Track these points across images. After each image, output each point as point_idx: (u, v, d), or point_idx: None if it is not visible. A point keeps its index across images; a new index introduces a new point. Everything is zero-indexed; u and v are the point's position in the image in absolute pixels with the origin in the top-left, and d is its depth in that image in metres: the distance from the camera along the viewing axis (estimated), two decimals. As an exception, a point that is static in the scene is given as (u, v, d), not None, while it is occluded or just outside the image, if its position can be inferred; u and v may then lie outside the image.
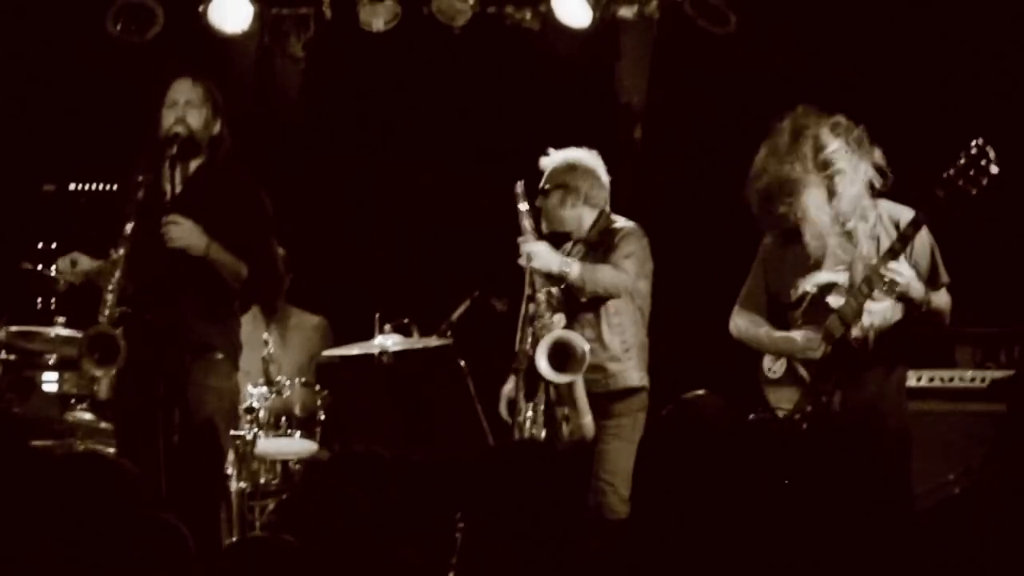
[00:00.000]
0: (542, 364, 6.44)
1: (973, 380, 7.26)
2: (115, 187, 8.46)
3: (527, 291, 6.70)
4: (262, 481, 7.43)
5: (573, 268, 6.62)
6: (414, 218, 8.80)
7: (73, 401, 7.55)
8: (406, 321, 7.49)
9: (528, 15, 8.31)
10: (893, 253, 5.55)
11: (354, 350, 7.57)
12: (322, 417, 7.53)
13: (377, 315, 7.45)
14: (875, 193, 5.77)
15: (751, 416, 5.37)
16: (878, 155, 5.77)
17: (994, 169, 5.51)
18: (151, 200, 5.84)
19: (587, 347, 6.48)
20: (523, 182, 6.74)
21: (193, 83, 6.02)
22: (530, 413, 6.78)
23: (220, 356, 5.93)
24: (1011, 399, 6.87)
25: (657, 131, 8.37)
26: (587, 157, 6.92)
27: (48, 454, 6.42)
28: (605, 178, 6.93)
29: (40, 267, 6.02)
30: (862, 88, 7.80)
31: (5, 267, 7.77)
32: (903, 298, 5.60)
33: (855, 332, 5.67)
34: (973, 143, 5.55)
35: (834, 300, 5.72)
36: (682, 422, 4.10)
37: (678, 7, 8.00)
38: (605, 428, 6.67)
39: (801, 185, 5.73)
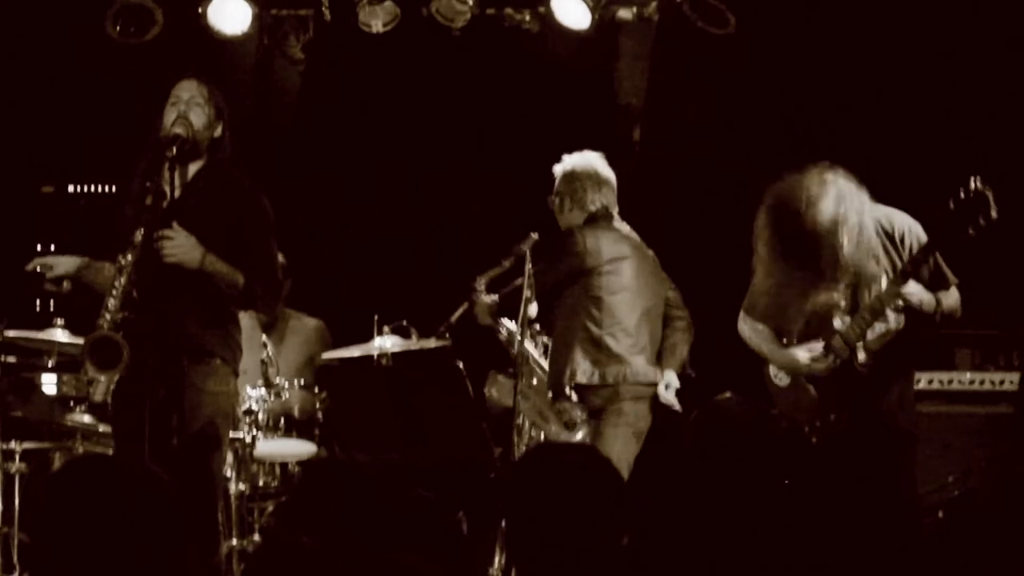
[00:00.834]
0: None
1: (972, 382, 7.26)
2: (114, 189, 8.49)
3: (526, 293, 6.71)
4: (261, 483, 7.43)
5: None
6: (413, 220, 8.80)
7: (72, 403, 7.54)
8: (405, 323, 7.49)
9: (527, 16, 8.30)
10: (904, 276, 5.51)
11: (353, 352, 7.57)
12: (321, 419, 7.54)
13: (376, 317, 7.45)
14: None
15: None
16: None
17: (994, 213, 5.46)
18: (152, 212, 5.81)
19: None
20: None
21: (199, 83, 6.01)
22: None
23: (219, 361, 5.92)
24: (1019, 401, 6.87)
25: (656, 132, 8.37)
26: (583, 161, 6.95)
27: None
28: (592, 179, 6.96)
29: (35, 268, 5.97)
30: (860, 89, 7.82)
31: (4, 269, 7.77)
32: (917, 313, 5.57)
33: (861, 356, 5.64)
34: (972, 184, 5.47)
35: (838, 322, 5.67)
36: (710, 425, 4.10)
37: (677, 8, 8.00)
38: (603, 417, 6.74)
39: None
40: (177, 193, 5.87)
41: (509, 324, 7.01)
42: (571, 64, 8.30)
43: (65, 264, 5.96)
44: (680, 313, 7.07)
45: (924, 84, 7.83)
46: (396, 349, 7.44)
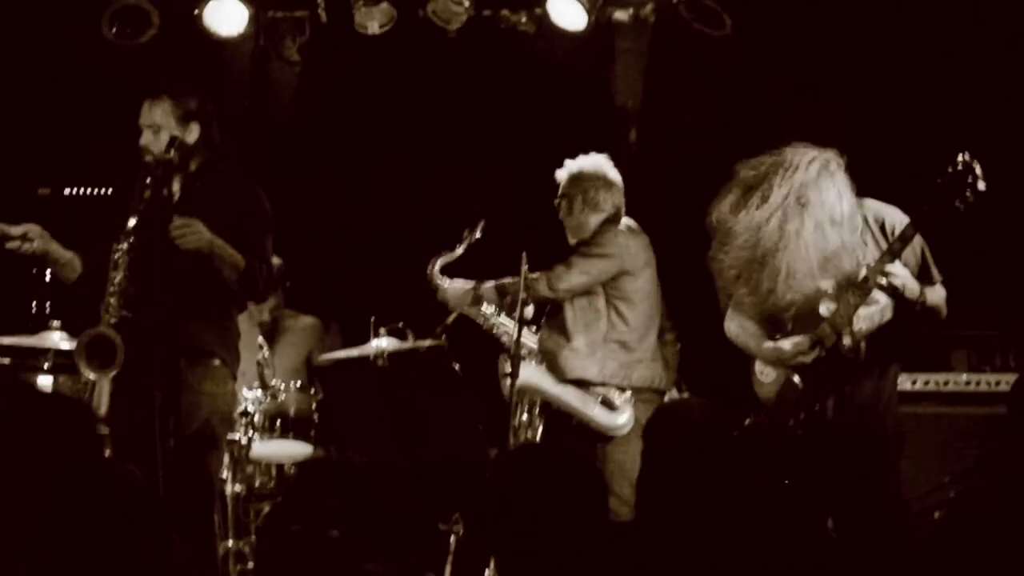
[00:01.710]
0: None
1: (968, 384, 7.26)
2: (111, 191, 8.48)
3: (522, 295, 6.71)
4: (257, 484, 7.44)
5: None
6: (409, 221, 8.79)
7: (68, 405, 7.53)
8: (401, 324, 7.49)
9: (523, 18, 8.30)
10: (891, 255, 5.54)
11: (350, 353, 7.57)
12: (317, 420, 7.54)
13: (372, 318, 7.45)
14: (859, 194, 5.74)
15: (746, 421, 5.38)
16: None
17: (981, 186, 5.50)
18: (150, 207, 5.81)
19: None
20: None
21: (151, 105, 5.96)
22: (524, 417, 6.81)
23: (217, 362, 5.93)
24: (1012, 402, 6.88)
25: (652, 133, 8.37)
26: (590, 163, 6.94)
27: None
28: (617, 182, 6.97)
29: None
30: (858, 90, 7.82)
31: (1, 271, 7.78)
32: (899, 297, 5.59)
33: (846, 340, 5.66)
34: (960, 159, 5.52)
35: (824, 308, 5.70)
36: (667, 426, 4.11)
37: (673, 10, 8.00)
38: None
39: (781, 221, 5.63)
40: (176, 196, 5.89)
41: (486, 309, 6.99)
42: (567, 65, 8.30)
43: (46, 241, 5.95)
44: (670, 325, 7.10)
45: (922, 84, 7.83)
46: (393, 350, 7.45)
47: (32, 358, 7.45)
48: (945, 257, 5.80)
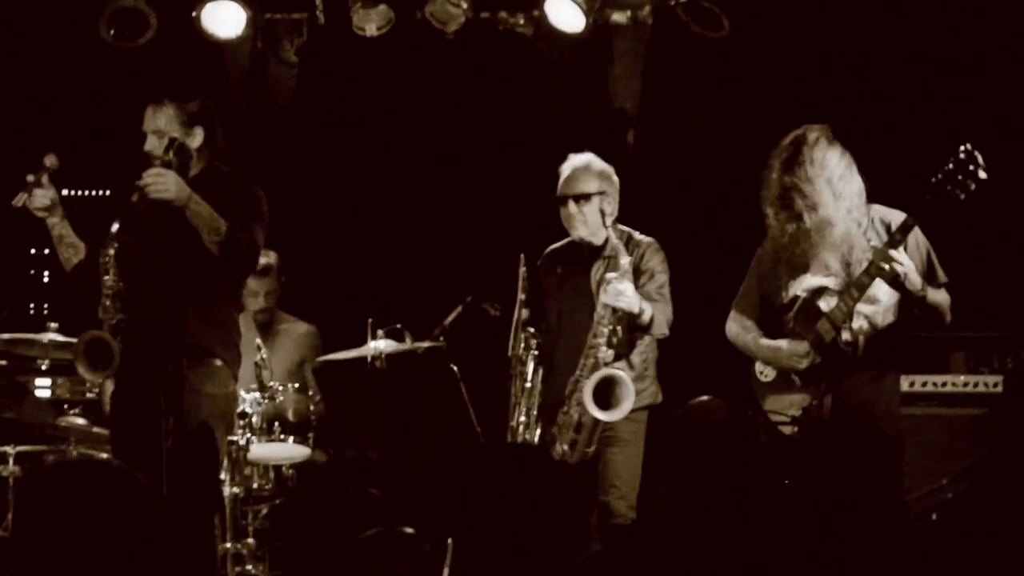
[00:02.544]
0: (588, 401, 6.43)
1: (966, 385, 7.26)
2: (109, 193, 8.49)
3: (520, 296, 6.70)
4: (255, 486, 7.43)
5: (647, 311, 6.57)
6: (407, 223, 8.80)
7: (66, 406, 7.54)
8: (399, 326, 7.48)
9: (521, 20, 8.31)
10: (893, 242, 5.56)
11: (348, 354, 7.56)
12: (315, 422, 7.53)
13: (370, 320, 7.45)
14: (867, 198, 5.78)
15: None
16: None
17: (983, 175, 5.52)
18: (150, 208, 5.80)
19: (632, 387, 6.48)
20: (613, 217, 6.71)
21: (154, 111, 5.95)
22: (523, 418, 6.80)
23: (219, 363, 5.92)
24: (1004, 404, 6.88)
25: (650, 136, 8.37)
26: (609, 166, 6.87)
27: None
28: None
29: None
30: (856, 91, 7.82)
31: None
32: (900, 287, 5.59)
33: (845, 336, 5.67)
34: (961, 148, 5.55)
35: (825, 304, 5.72)
36: (689, 427, 4.10)
37: (671, 11, 8.00)
38: (615, 435, 6.67)
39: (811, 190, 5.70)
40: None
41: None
42: (565, 67, 8.31)
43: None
44: None
45: (920, 85, 7.84)
46: (391, 351, 7.44)
47: (30, 359, 7.44)
48: (943, 258, 5.80)
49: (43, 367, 7.40)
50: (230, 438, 6.96)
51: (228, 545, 7.13)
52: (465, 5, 8.08)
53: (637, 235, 6.83)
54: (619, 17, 8.22)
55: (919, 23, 7.78)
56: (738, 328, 6.02)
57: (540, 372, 6.94)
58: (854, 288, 5.62)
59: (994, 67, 7.71)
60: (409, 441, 6.68)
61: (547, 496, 3.52)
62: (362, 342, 7.47)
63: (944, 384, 7.27)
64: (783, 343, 5.80)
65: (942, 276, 5.75)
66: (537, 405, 6.90)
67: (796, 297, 5.82)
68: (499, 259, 7.04)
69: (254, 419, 7.34)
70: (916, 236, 5.68)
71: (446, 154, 8.65)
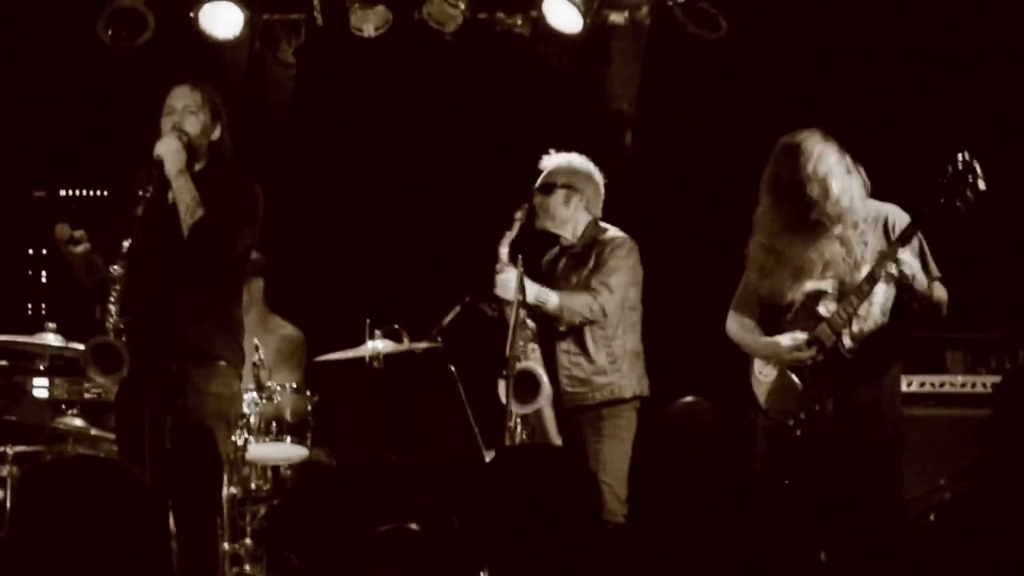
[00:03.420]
0: (504, 395, 6.53)
1: (964, 385, 7.27)
2: (106, 193, 8.49)
3: (517, 297, 6.70)
4: (253, 487, 7.42)
5: (550, 299, 6.67)
6: (405, 223, 8.80)
7: (64, 407, 7.53)
8: (396, 326, 7.48)
9: (519, 21, 8.31)
10: (902, 241, 5.55)
11: (345, 355, 7.56)
12: (312, 422, 7.53)
13: (368, 320, 7.44)
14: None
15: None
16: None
17: (982, 185, 5.50)
18: (151, 208, 5.81)
19: (546, 380, 6.64)
20: (523, 209, 6.78)
21: (191, 89, 6.00)
22: (520, 419, 6.81)
23: (223, 363, 5.92)
24: (999, 404, 6.88)
25: (647, 137, 8.38)
26: (589, 163, 6.95)
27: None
28: (602, 188, 6.97)
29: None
30: (854, 92, 7.83)
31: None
32: (908, 289, 5.59)
33: (846, 342, 5.66)
34: (960, 157, 5.53)
35: (824, 308, 5.70)
36: (674, 428, 4.12)
37: (669, 12, 8.00)
38: (600, 431, 6.70)
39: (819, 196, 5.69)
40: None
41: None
42: (563, 68, 8.31)
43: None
44: None
45: (918, 87, 7.84)
46: (388, 352, 7.44)
47: (28, 360, 7.43)
48: (941, 258, 5.80)
49: (41, 368, 7.40)
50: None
51: (226, 546, 7.12)
52: (463, 6, 8.08)
53: (612, 232, 6.89)
54: (617, 18, 8.22)
55: (917, 22, 7.78)
56: (738, 327, 6.01)
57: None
58: (854, 295, 5.61)
59: (994, 66, 7.71)
60: (407, 442, 6.69)
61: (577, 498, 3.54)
62: (360, 342, 7.47)
63: (942, 384, 7.28)
64: (782, 339, 5.78)
65: (935, 271, 5.74)
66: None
67: (794, 301, 5.82)
68: (496, 260, 7.04)
69: (252, 419, 7.33)
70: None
71: (443, 154, 8.66)
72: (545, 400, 6.68)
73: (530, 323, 6.75)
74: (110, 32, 7.98)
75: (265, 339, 7.90)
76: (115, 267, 5.69)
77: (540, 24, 8.14)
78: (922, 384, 7.26)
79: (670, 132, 8.28)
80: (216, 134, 6.01)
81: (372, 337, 7.45)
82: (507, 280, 6.73)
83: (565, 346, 6.80)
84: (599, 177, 6.96)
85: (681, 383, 7.15)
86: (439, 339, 7.37)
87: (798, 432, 5.69)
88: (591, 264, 6.86)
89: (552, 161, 6.97)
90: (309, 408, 7.52)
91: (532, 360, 6.72)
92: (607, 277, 6.76)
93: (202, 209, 5.78)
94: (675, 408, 5.04)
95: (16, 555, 3.14)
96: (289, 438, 7.45)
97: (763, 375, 5.90)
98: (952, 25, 7.72)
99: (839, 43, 7.90)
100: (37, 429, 7.47)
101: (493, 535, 3.54)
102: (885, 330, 5.69)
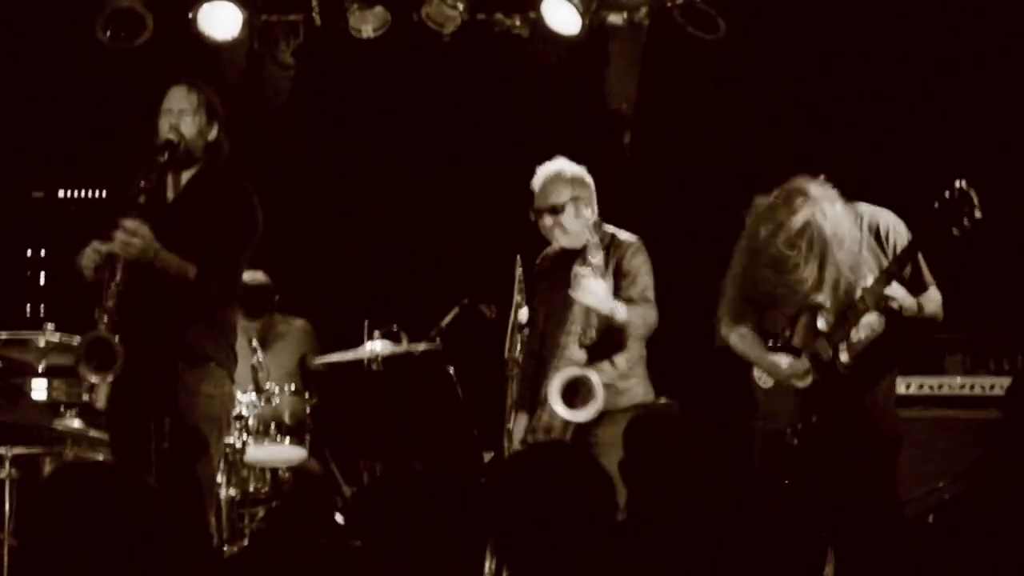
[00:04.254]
0: (556, 402, 6.43)
1: (963, 387, 7.27)
2: (105, 194, 8.49)
3: (516, 298, 6.70)
4: (251, 489, 7.42)
5: (620, 312, 6.56)
6: (403, 224, 8.80)
7: (63, 408, 7.53)
8: (395, 328, 7.49)
9: (518, 22, 8.31)
10: (889, 276, 5.51)
11: (344, 356, 7.56)
12: (311, 424, 7.53)
13: (366, 322, 7.45)
14: (853, 198, 5.73)
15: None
16: None
17: (978, 214, 5.46)
18: (147, 207, 5.82)
19: (600, 388, 6.45)
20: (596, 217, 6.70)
21: (188, 90, 6.00)
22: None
23: (214, 364, 5.93)
24: (1008, 406, 6.88)
25: (646, 137, 8.38)
26: (575, 165, 6.89)
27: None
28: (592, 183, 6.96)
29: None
30: (852, 92, 7.83)
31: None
32: (898, 317, 5.58)
33: (843, 357, 5.64)
34: (956, 185, 5.47)
35: (823, 322, 5.68)
36: (643, 432, 4.12)
37: (667, 13, 8.01)
38: (611, 439, 6.67)
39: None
40: (171, 197, 5.90)
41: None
42: (561, 69, 8.31)
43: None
44: None
45: (916, 88, 7.84)
46: (387, 353, 7.44)
47: (26, 361, 7.42)
48: (940, 260, 5.79)
49: (39, 369, 7.39)
50: (226, 440, 6.96)
51: (224, 547, 7.13)
52: (461, 7, 8.09)
53: (621, 234, 6.84)
54: (615, 19, 8.22)
55: (917, 23, 7.78)
56: (737, 339, 5.97)
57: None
58: (851, 313, 5.59)
59: (994, 66, 7.71)
60: (406, 443, 6.69)
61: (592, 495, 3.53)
62: (358, 344, 7.47)
63: (941, 386, 7.28)
64: (783, 360, 5.76)
65: (929, 278, 5.72)
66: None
67: (780, 293, 5.77)
68: (495, 261, 7.04)
69: (250, 421, 7.34)
70: (903, 237, 5.64)
71: (442, 155, 8.66)
72: (594, 411, 6.56)
73: (592, 332, 6.64)
74: (109, 32, 7.98)
75: (280, 342, 7.92)
76: (117, 266, 5.69)
77: (539, 25, 8.14)
78: (921, 386, 7.26)
79: (669, 133, 8.28)
80: (213, 135, 6.01)
81: (371, 338, 7.45)
82: (594, 289, 6.58)
83: (575, 354, 6.72)
84: (588, 175, 6.90)
85: (680, 386, 7.14)
86: (438, 340, 7.38)
87: (795, 441, 5.68)
88: (611, 268, 6.78)
89: (545, 179, 6.77)
90: (307, 410, 7.52)
91: (576, 363, 6.62)
92: (643, 289, 6.68)
93: (192, 268, 5.79)
94: (641, 413, 5.03)
95: (22, 559, 3.14)
96: (287, 440, 7.46)
97: (763, 380, 5.89)
98: (952, 27, 7.71)
99: (838, 44, 7.89)
100: (35, 431, 7.47)
101: (510, 535, 3.54)
102: (882, 337, 5.68)
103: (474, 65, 8.47)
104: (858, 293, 5.56)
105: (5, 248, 8.58)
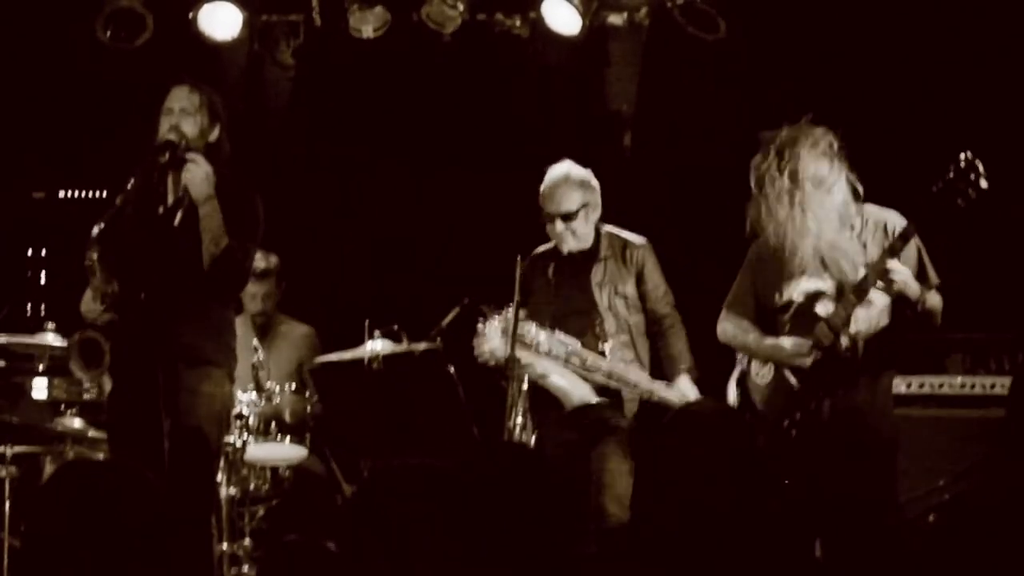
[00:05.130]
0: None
1: (964, 386, 7.27)
2: (105, 195, 8.49)
3: (516, 298, 6.70)
4: (252, 487, 7.42)
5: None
6: (404, 224, 8.80)
7: (63, 407, 7.53)
8: (396, 327, 7.48)
9: (518, 22, 8.31)
10: (892, 251, 5.55)
11: (344, 355, 7.56)
12: (311, 423, 7.53)
13: (367, 321, 7.44)
14: (860, 198, 5.77)
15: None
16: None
17: (984, 184, 5.50)
18: (147, 207, 5.83)
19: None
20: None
21: (190, 90, 6.01)
22: (520, 419, 6.79)
23: (214, 364, 5.93)
24: (1011, 405, 6.88)
25: (646, 138, 8.38)
26: (579, 168, 6.91)
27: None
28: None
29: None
30: (853, 93, 7.83)
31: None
32: (900, 297, 5.60)
33: (844, 341, 5.67)
34: (962, 156, 5.53)
35: (822, 308, 5.71)
36: (684, 429, 4.10)
37: (668, 14, 8.01)
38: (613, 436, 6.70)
39: (791, 196, 5.70)
40: (177, 195, 5.90)
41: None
42: (562, 69, 8.31)
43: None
44: None
45: (916, 87, 7.84)
46: (387, 353, 7.44)
47: (27, 361, 7.43)
48: (940, 260, 5.80)
49: (40, 368, 7.40)
50: (227, 439, 6.96)
51: (224, 546, 7.13)
52: (461, 7, 8.09)
53: (631, 238, 6.87)
54: (615, 19, 8.22)
55: (917, 21, 7.79)
56: (735, 328, 6.01)
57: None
58: (852, 294, 5.61)
59: (994, 66, 7.72)
60: (406, 443, 6.69)
61: (538, 496, 3.53)
62: (359, 343, 7.47)
63: (941, 386, 7.28)
64: (785, 341, 5.79)
65: (934, 278, 5.74)
66: (528, 407, 6.90)
67: (791, 301, 5.82)
68: (495, 261, 7.03)
69: (251, 420, 7.34)
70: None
71: (442, 156, 8.66)
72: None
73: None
74: (109, 32, 7.98)
75: (281, 343, 7.92)
76: (91, 253, 5.69)
77: (539, 25, 8.14)
78: (921, 385, 7.26)
79: (669, 133, 8.28)
80: (214, 135, 6.02)
81: (371, 338, 7.45)
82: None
83: (620, 353, 6.78)
84: (595, 179, 6.92)
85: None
86: (438, 340, 7.37)
87: (793, 432, 5.69)
88: (633, 273, 6.82)
89: (555, 184, 6.84)
90: (308, 409, 7.52)
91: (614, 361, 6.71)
92: (664, 294, 6.88)
93: (227, 238, 5.80)
94: (686, 410, 5.03)
95: (25, 559, 3.15)
96: (288, 439, 7.46)
97: (759, 376, 5.91)
98: (952, 25, 7.72)
99: (838, 43, 7.90)
100: (36, 430, 7.47)
101: (481, 538, 3.54)
102: (883, 333, 5.70)
103: (474, 65, 8.47)
104: (860, 273, 5.59)
105: (5, 248, 8.58)
